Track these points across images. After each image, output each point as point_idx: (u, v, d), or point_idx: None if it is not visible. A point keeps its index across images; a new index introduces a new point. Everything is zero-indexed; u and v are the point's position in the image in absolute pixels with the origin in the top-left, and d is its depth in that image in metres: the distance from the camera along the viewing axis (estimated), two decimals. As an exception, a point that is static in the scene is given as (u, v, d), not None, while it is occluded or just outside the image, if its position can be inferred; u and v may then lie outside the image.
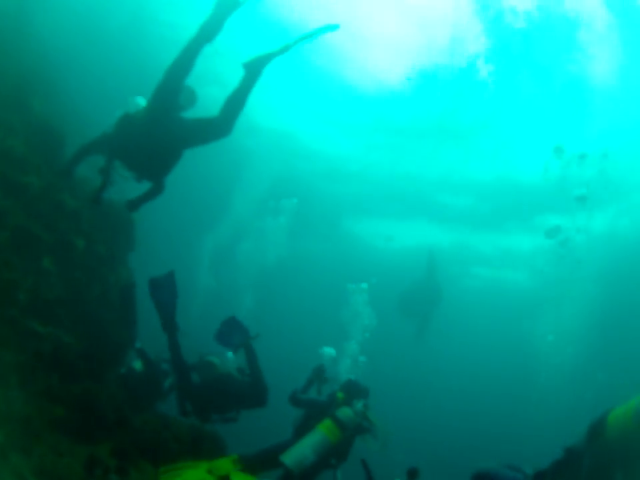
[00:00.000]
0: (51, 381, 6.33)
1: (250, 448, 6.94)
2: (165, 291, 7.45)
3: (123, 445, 5.95)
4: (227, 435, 7.90)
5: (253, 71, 7.27)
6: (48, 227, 7.54)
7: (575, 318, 25.27)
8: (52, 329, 6.72)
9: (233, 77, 7.42)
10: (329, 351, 10.77)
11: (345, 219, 27.53)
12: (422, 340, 23.54)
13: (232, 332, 7.71)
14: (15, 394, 5.57)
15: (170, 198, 7.84)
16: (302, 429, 7.14)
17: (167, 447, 6.55)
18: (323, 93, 19.49)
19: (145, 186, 7.83)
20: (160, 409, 8.47)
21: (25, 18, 10.91)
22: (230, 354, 8.15)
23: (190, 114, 7.60)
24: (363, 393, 7.77)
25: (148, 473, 5.82)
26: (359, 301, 16.38)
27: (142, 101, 7.61)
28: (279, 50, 7.24)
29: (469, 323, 35.10)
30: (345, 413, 7.07)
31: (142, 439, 6.44)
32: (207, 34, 7.14)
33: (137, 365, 8.50)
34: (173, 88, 7.24)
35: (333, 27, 7.26)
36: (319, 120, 20.88)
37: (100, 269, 8.35)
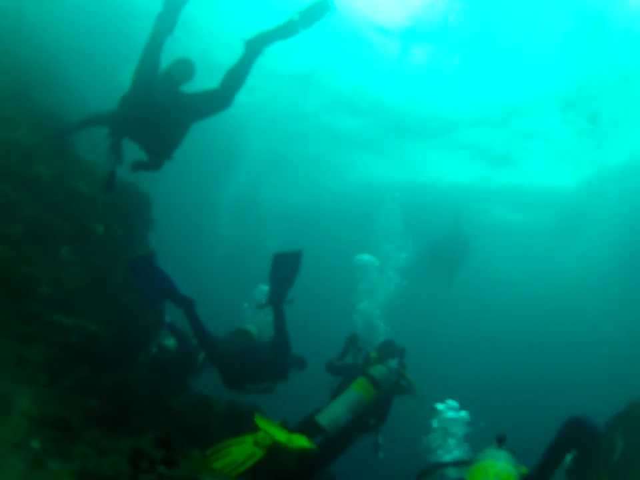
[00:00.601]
0: (82, 373, 5.81)
1: (290, 417, 6.57)
2: (152, 278, 6.71)
3: (166, 432, 5.49)
4: (267, 405, 7.45)
5: (253, 50, 6.81)
6: (63, 215, 6.98)
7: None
8: (78, 319, 6.17)
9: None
10: (367, 258, 10.17)
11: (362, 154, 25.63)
12: (448, 292, 22.95)
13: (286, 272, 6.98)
14: (47, 393, 5.06)
15: (182, 151, 7.41)
16: (338, 392, 6.68)
17: (209, 428, 6.09)
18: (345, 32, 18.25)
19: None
20: (194, 387, 8.07)
21: (19, 10, 10.31)
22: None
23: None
24: (398, 352, 7.35)
25: (196, 458, 5.35)
26: (392, 210, 15.61)
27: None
28: (281, 31, 6.80)
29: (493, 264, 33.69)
30: (377, 370, 6.66)
31: (183, 423, 5.98)
32: (163, 28, 6.80)
33: (169, 342, 8.00)
34: (145, 83, 6.88)
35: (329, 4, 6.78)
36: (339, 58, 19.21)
37: (121, 252, 7.83)
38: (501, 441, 5.32)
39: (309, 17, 6.77)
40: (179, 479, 4.78)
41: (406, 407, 7.11)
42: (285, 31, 6.81)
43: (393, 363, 7.00)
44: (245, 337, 7.43)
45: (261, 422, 5.64)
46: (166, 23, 6.82)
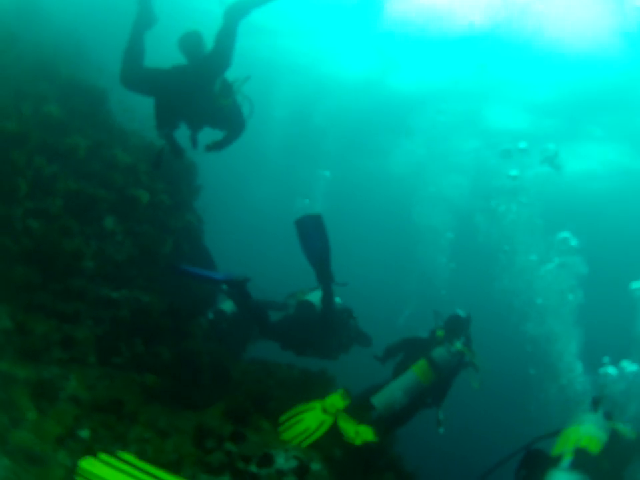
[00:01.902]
0: (135, 348, 5.15)
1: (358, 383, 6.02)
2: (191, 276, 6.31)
3: (230, 403, 4.79)
4: (333, 368, 6.80)
5: (231, 20, 6.22)
6: (104, 185, 6.30)
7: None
8: (127, 292, 5.52)
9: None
10: None
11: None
12: None
13: (314, 240, 6.28)
14: (97, 373, 4.41)
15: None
16: (400, 368, 6.23)
17: (273, 396, 5.39)
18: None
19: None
20: (255, 352, 7.43)
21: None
22: None
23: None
24: (464, 328, 6.64)
25: (265, 430, 4.67)
26: None
27: None
28: None
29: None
30: (440, 354, 6.10)
31: (247, 392, 5.29)
32: (143, 23, 6.35)
33: (226, 306, 7.37)
34: (132, 69, 6.33)
35: None
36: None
37: (168, 220, 7.13)
38: (596, 404, 5.02)
39: None
40: (248, 456, 4.09)
41: (469, 381, 6.47)
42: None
43: (458, 345, 6.34)
44: (309, 309, 6.73)
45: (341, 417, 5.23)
46: (145, 19, 6.36)
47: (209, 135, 6.90)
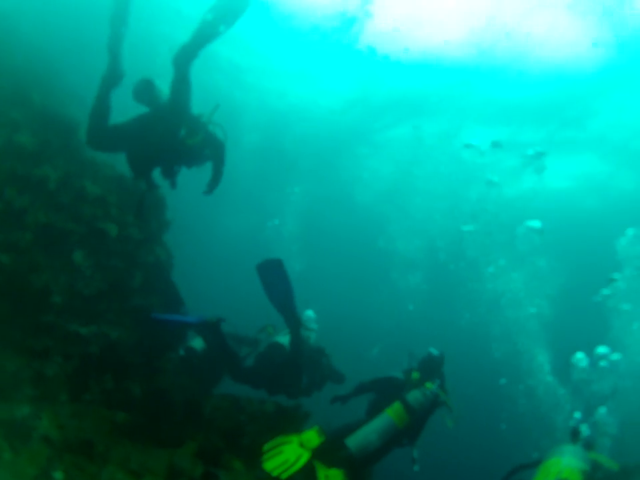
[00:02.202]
0: (105, 385, 5.10)
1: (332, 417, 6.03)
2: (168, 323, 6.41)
3: (202, 442, 4.77)
4: (308, 404, 6.82)
5: (181, 66, 6.13)
6: (73, 218, 6.27)
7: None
8: (96, 328, 5.47)
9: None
10: None
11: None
12: None
13: (276, 285, 6.28)
14: (68, 411, 4.36)
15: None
16: (374, 409, 6.25)
17: (244, 432, 5.38)
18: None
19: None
20: (225, 387, 7.37)
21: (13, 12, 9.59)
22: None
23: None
24: (438, 362, 6.73)
25: (237, 470, 4.66)
26: None
27: None
28: (200, 37, 6.06)
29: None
30: (415, 397, 6.15)
31: (218, 429, 5.27)
32: (110, 80, 6.22)
33: (196, 343, 7.33)
34: (97, 131, 6.34)
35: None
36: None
37: (137, 253, 7.09)
38: (575, 435, 5.07)
39: (226, 13, 5.95)
40: (220, 496, 4.08)
41: (444, 420, 6.55)
42: (205, 35, 6.06)
43: (433, 387, 6.39)
44: (278, 351, 6.76)
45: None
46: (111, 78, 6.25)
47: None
